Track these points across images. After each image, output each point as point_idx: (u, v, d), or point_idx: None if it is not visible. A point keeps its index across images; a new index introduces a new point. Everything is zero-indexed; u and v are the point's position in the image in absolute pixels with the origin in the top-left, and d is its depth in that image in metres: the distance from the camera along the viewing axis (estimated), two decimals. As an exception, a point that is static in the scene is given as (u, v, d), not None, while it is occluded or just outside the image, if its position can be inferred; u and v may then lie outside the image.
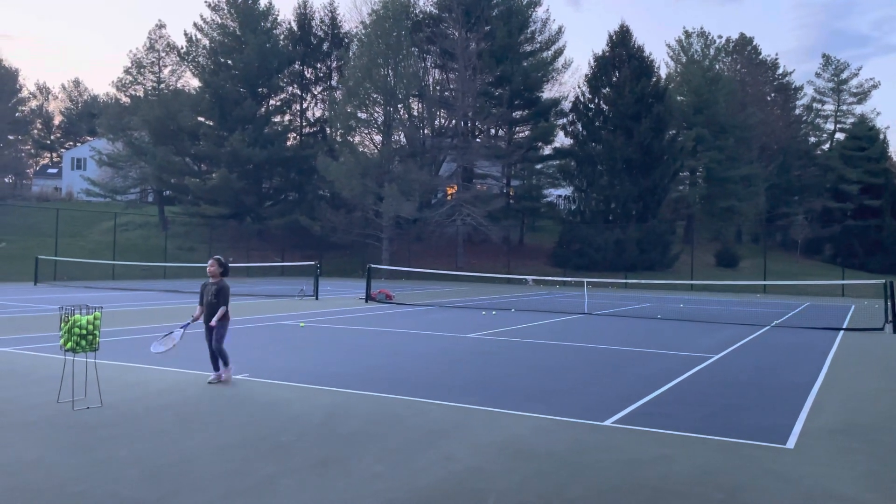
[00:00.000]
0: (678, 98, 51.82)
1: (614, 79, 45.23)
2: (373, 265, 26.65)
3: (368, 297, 22.96)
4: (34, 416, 6.74)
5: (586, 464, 5.63)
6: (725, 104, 51.49)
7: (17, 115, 64.54)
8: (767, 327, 16.88)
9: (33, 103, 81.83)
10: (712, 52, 58.67)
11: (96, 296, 22.60)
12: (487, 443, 6.15)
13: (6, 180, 57.43)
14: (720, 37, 64.08)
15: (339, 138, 45.52)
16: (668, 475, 5.37)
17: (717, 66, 57.77)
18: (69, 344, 7.07)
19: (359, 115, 44.59)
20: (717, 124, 50.90)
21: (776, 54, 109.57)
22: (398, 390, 8.33)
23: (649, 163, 43.11)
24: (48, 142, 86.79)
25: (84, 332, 7.08)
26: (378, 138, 46.26)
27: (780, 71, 66.68)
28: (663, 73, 52.64)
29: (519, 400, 7.95)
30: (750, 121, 53.94)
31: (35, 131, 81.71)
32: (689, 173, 53.38)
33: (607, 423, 6.97)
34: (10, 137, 61.97)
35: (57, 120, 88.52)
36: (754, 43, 64.48)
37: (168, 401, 7.58)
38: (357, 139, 46.56)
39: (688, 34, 58.61)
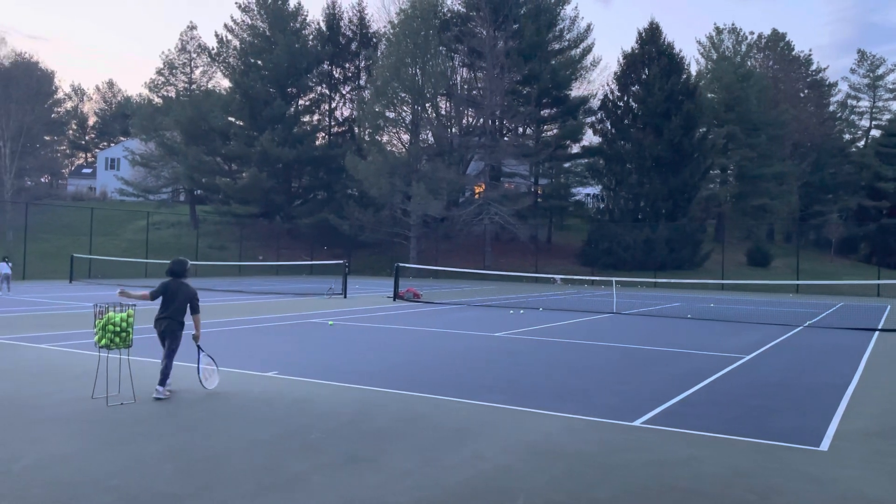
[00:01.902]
0: (709, 95, 51.16)
1: (644, 76, 44.81)
2: (400, 264, 26.74)
3: (396, 296, 23.05)
4: (70, 411, 6.88)
5: (615, 464, 5.59)
6: (757, 101, 50.68)
7: (52, 116, 65.87)
8: (800, 328, 16.60)
9: (68, 104, 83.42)
10: (744, 48, 57.84)
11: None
12: (516, 442, 6.14)
13: (42, 180, 58.65)
14: (752, 33, 63.10)
15: (367, 137, 45.74)
16: (698, 476, 5.32)
17: (749, 63, 56.93)
18: (103, 341, 7.20)
19: (387, 114, 44.76)
20: (748, 122, 50.13)
21: (810, 50, 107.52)
22: (426, 389, 8.36)
23: (679, 161, 42.64)
24: (83, 142, 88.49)
25: (118, 329, 7.22)
26: (406, 137, 46.41)
27: (814, 67, 65.43)
28: (693, 70, 52.11)
29: (547, 399, 7.92)
30: (783, 118, 53.03)
31: (70, 132, 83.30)
32: (720, 171, 52.70)
33: (636, 423, 6.91)
34: (47, 138, 63.25)
35: (91, 121, 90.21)
36: (787, 39, 63.32)
37: (199, 396, 7.69)
38: (385, 138, 46.79)
39: (719, 30, 57.86)
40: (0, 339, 11.75)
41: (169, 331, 7.76)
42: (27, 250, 31.19)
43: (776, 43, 62.80)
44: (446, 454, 5.74)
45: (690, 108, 43.26)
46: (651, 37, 45.39)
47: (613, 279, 24.46)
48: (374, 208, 43.46)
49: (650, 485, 5.12)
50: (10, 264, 23.09)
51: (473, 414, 7.17)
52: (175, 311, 7.80)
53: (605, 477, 5.27)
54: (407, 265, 33.32)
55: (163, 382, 7.61)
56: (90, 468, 5.17)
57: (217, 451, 5.69)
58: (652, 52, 44.91)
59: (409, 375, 9.28)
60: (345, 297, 23.24)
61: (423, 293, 24.45)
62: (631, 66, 45.45)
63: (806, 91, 63.95)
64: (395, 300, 22.68)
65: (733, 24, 58.37)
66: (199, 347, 8.03)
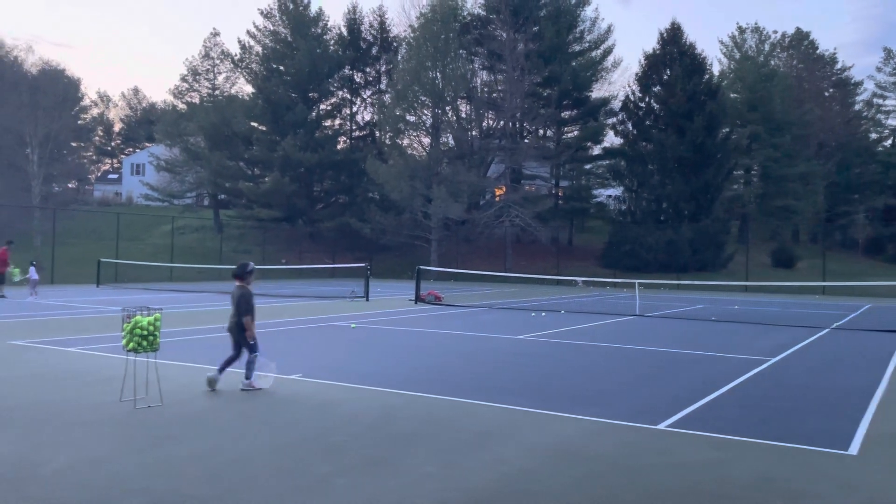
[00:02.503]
0: (732, 95, 50.65)
1: (665, 77, 44.52)
2: (422, 267, 26.79)
3: (418, 299, 23.10)
4: (98, 414, 6.99)
5: (640, 467, 5.56)
6: (781, 101, 50.04)
7: (79, 122, 66.95)
8: (827, 329, 16.37)
9: (95, 111, 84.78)
10: (767, 47, 57.15)
11: (155, 297, 23.29)
12: (538, 445, 6.13)
13: (69, 186, 59.64)
14: (775, 32, 62.29)
15: (388, 141, 45.89)
16: (725, 480, 5.27)
17: (773, 62, 56.24)
18: (131, 344, 7.31)
19: (407, 117, 44.90)
20: (772, 121, 49.52)
21: (834, 48, 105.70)
22: (448, 391, 8.37)
23: (702, 161, 42.28)
24: (109, 148, 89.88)
25: (145, 332, 7.32)
26: (426, 140, 46.50)
27: (839, 66, 64.39)
28: (716, 70, 51.59)
29: (570, 402, 7.89)
30: (807, 117, 52.33)
31: (96, 138, 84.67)
32: (744, 172, 52.11)
33: (661, 426, 6.87)
34: (73, 144, 64.28)
35: (117, 127, 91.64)
36: (811, 37, 62.48)
37: (225, 400, 7.77)
38: (406, 142, 46.89)
39: (741, 30, 57.23)
40: (29, 342, 11.96)
41: (233, 331, 8.37)
42: (55, 255, 31.70)
43: (800, 42, 61.99)
44: (468, 457, 5.75)
45: (713, 108, 42.89)
46: (672, 37, 45.09)
47: (636, 281, 24.28)
48: (395, 211, 43.59)
49: (675, 488, 5.08)
50: (39, 269, 23.47)
51: (495, 417, 7.17)
52: (234, 312, 8.35)
53: (629, 480, 5.24)
54: (428, 268, 33.38)
55: (248, 376, 8.22)
56: (119, 471, 5.25)
57: (243, 453, 5.75)
58: (673, 52, 44.60)
59: (431, 378, 9.30)
60: (367, 300, 23.34)
61: (444, 296, 24.47)
62: (652, 66, 45.18)
63: (831, 90, 63.01)
64: (416, 303, 22.73)
65: (756, 24, 57.64)
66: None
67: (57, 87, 48.69)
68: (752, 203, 51.22)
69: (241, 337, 8.27)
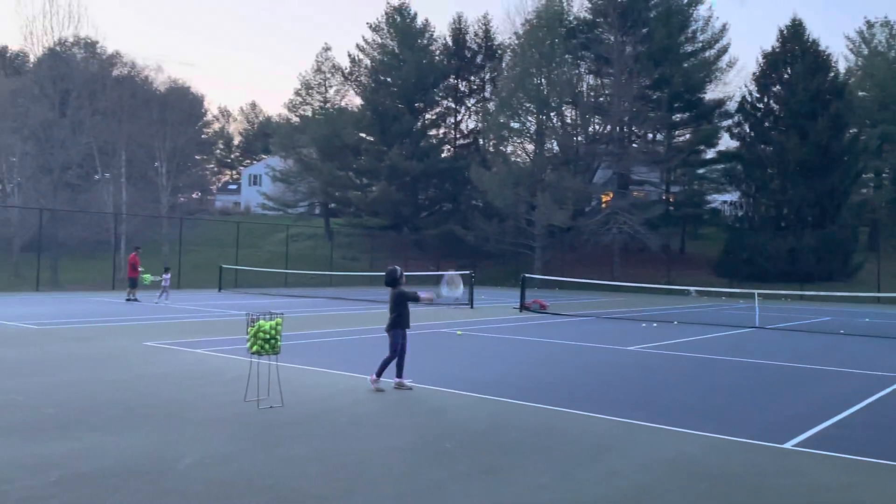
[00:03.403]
0: (860, 94, 47.40)
1: (786, 76, 42.28)
2: (526, 274, 26.64)
3: (522, 307, 22.99)
4: (225, 413, 7.39)
5: (764, 487, 5.29)
6: (916, 98, 46.34)
7: (202, 137, 71.25)
8: (974, 346, 14.98)
9: (216, 126, 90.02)
10: (899, 41, 53.05)
11: (273, 302, 24.38)
12: (655, 460, 5.95)
13: (194, 196, 63.55)
14: (908, 24, 57.79)
15: (491, 148, 46.04)
16: (860, 507, 4.93)
17: (906, 57, 52.14)
18: (255, 347, 7.69)
19: (511, 124, 44.86)
20: (906, 120, 45.94)
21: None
22: (559, 402, 8.27)
23: (827, 164, 39.81)
24: (229, 160, 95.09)
25: (267, 336, 7.67)
26: (530, 147, 46.30)
27: (985, 57, 58.94)
28: (842, 67, 48.41)
29: (687, 417, 7.62)
30: (945, 115, 48.16)
31: (218, 151, 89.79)
32: (874, 175, 48.61)
33: (787, 445, 6.51)
34: (197, 157, 68.48)
35: (236, 140, 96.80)
36: (950, 28, 57.50)
37: (341, 403, 8.02)
38: (510, 149, 46.90)
39: (870, 24, 53.40)
40: (161, 343, 12.81)
41: (389, 332, 8.95)
42: (181, 262, 33.82)
43: (937, 33, 57.18)
44: (582, 470, 5.66)
45: (839, 107, 40.34)
46: (793, 34, 42.79)
47: (755, 291, 23.12)
48: (498, 219, 43.63)
49: (805, 513, 4.80)
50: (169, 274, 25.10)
51: (608, 429, 7.02)
52: (390, 313, 8.97)
53: (752, 500, 5.00)
54: (532, 276, 33.13)
55: (399, 374, 8.89)
56: (245, 468, 5.52)
57: (358, 455, 5.91)
58: (795, 49, 42.30)
59: (540, 388, 9.22)
60: (471, 307, 23.46)
61: (549, 304, 24.23)
62: (771, 65, 43.03)
63: (975, 84, 57.74)
64: (521, 311, 22.62)
65: (886, 17, 53.78)
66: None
67: (183, 104, 52.07)
68: (884, 208, 47.62)
69: (392, 336, 8.89)
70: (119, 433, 6.46)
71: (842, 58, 52.90)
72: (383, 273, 9.37)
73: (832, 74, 42.53)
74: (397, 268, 9.20)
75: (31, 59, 41.03)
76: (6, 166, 41.44)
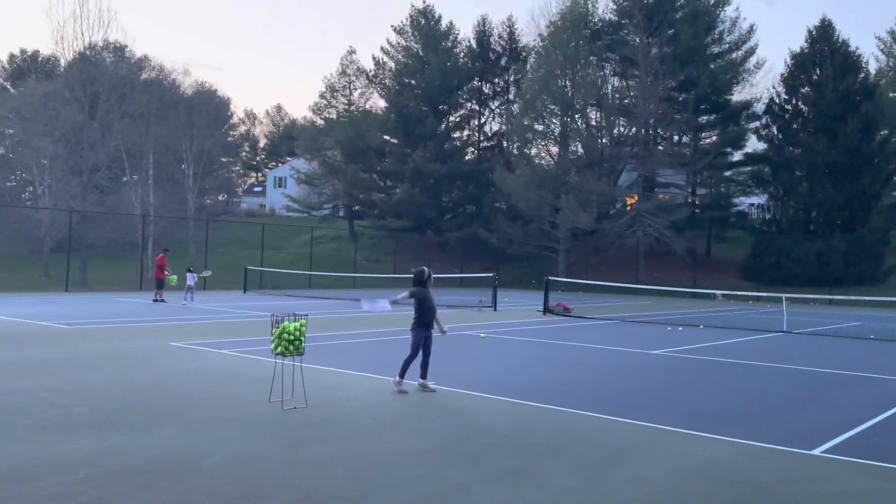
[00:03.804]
0: (891, 95, 46.53)
1: (814, 77, 41.65)
2: (550, 277, 26.52)
3: (546, 310, 22.89)
4: (251, 413, 7.45)
5: (792, 494, 5.21)
6: (950, 99, 45.41)
7: (228, 139, 72.04)
8: None
9: (242, 128, 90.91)
10: (933, 40, 52.06)
11: (297, 303, 24.54)
12: (682, 465, 5.89)
13: (220, 198, 64.20)
14: (943, 23, 56.66)
15: (515, 151, 45.93)
16: (893, 516, 4.83)
17: (940, 57, 51.16)
18: (279, 348, 7.74)
19: (535, 127, 44.75)
20: (940, 122, 45.00)
21: None
22: (583, 405, 8.22)
23: (857, 167, 39.15)
24: (254, 163, 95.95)
25: (292, 337, 7.72)
26: (555, 149, 46.13)
27: None
28: (872, 68, 47.62)
29: (714, 422, 7.53)
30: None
31: (243, 153, 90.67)
32: (906, 177, 47.65)
33: (815, 451, 6.40)
34: (224, 160, 69.28)
35: (262, 143, 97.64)
36: None
37: (365, 404, 8.05)
38: (533, 151, 46.76)
39: (902, 22, 52.48)
40: (187, 344, 12.95)
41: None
42: (207, 263, 34.17)
43: (972, 33, 55.97)
44: (607, 474, 5.62)
45: (869, 109, 39.66)
46: (823, 34, 42.15)
47: (783, 295, 22.78)
48: (522, 221, 43.51)
49: (836, 521, 4.71)
50: (196, 276, 25.38)
51: (633, 434, 6.96)
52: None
53: (782, 509, 4.92)
54: (556, 278, 32.98)
55: (423, 375, 8.94)
56: (270, 467, 5.56)
57: (382, 457, 5.93)
58: (824, 50, 41.66)
59: (564, 391, 9.17)
60: (495, 309, 23.41)
61: (573, 307, 24.10)
62: (800, 66, 42.41)
63: None
64: (545, 314, 22.53)
65: (920, 15, 52.79)
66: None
67: (210, 107, 52.67)
68: (917, 211, 46.69)
69: (413, 335, 8.94)
70: (146, 432, 6.54)
71: (872, 58, 52.05)
72: (408, 275, 9.42)
73: (862, 75, 41.83)
74: (425, 268, 9.23)
75: (62, 63, 41.66)
76: (37, 169, 42.23)
